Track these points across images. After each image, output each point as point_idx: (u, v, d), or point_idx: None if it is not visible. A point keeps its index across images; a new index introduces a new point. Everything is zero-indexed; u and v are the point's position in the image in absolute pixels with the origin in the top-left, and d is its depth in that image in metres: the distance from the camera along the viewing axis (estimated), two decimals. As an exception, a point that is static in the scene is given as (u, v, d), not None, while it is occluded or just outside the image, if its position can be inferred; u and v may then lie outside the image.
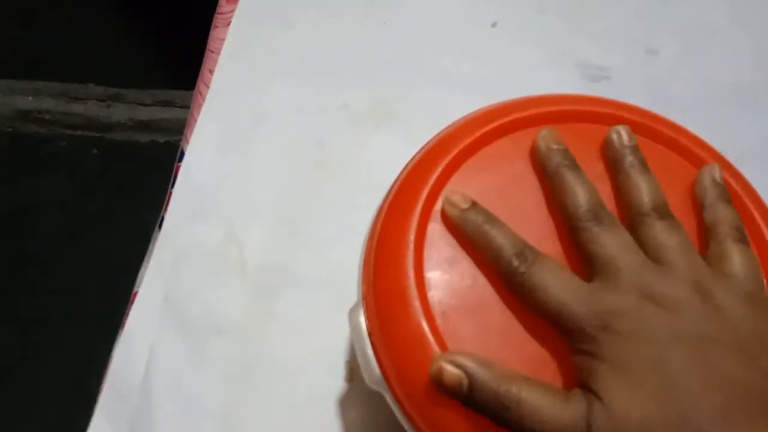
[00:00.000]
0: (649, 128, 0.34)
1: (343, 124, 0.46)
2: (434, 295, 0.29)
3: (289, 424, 0.37)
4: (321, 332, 0.39)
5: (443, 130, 0.34)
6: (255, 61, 0.49)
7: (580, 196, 0.29)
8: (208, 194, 0.43)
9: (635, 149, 0.31)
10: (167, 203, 0.43)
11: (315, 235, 0.42)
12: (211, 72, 0.49)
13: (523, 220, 0.31)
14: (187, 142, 0.46)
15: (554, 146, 0.31)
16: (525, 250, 0.28)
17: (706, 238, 0.30)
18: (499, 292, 0.29)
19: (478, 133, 0.33)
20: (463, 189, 0.31)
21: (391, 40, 0.50)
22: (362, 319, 0.30)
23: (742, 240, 0.29)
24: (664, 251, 0.28)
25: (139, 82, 1.34)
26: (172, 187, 0.44)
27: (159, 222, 0.43)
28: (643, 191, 0.30)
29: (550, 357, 0.28)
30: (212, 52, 0.50)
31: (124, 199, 1.18)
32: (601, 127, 0.34)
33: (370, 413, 0.37)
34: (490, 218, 0.30)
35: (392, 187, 0.33)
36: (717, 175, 0.31)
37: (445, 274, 0.30)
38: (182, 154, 0.45)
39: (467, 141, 0.32)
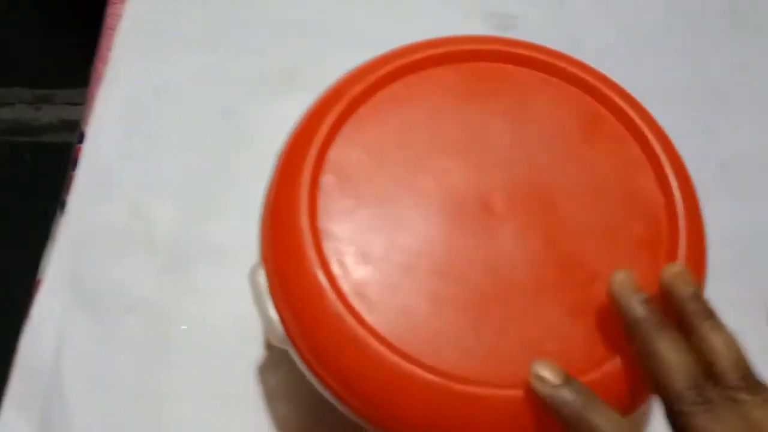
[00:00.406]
0: (546, 63, 0.33)
1: (250, 91, 0.45)
2: (330, 245, 0.28)
3: (208, 395, 0.36)
4: (236, 301, 0.37)
5: (336, 80, 0.33)
6: (154, 33, 0.47)
7: (677, 369, 0.25)
8: (112, 172, 0.42)
9: (698, 297, 0.27)
10: (68, 186, 0.41)
11: (225, 205, 0.41)
12: (110, 50, 0.47)
13: (423, 163, 0.30)
14: (87, 123, 0.44)
15: (636, 297, 0.27)
16: None
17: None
18: (396, 236, 0.29)
19: (369, 80, 0.32)
20: (356, 138, 0.31)
21: (295, 2, 0.49)
22: (262, 279, 0.30)
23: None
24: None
25: (67, 81, 1.30)
26: (74, 169, 0.42)
27: (61, 205, 0.41)
28: (723, 355, 0.26)
29: (452, 293, 0.28)
30: (110, 29, 0.48)
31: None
32: (499, 65, 0.33)
33: (290, 378, 0.36)
34: (591, 398, 0.25)
35: (285, 142, 0.32)
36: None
37: (340, 225, 0.29)
38: (82, 135, 0.43)
39: (359, 89, 0.32)
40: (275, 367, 0.37)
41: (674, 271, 0.27)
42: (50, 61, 1.31)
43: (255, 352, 0.37)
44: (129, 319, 0.38)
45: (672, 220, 0.30)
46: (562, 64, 0.33)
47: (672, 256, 0.29)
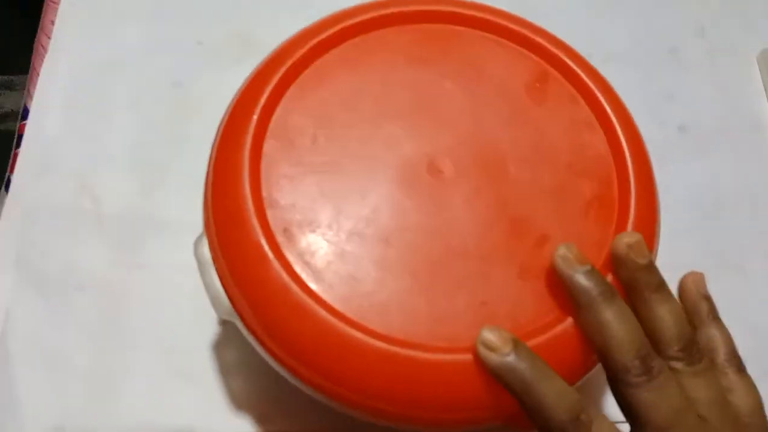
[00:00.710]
0: (497, 25, 0.33)
1: (200, 62, 0.44)
2: (274, 213, 0.28)
3: (163, 372, 0.36)
4: (189, 276, 0.37)
5: (281, 43, 0.32)
6: (99, 4, 0.46)
7: (624, 339, 0.25)
8: (58, 148, 0.40)
9: (651, 268, 0.27)
10: (12, 164, 0.40)
11: (176, 178, 0.40)
12: (53, 23, 0.45)
13: (371, 127, 0.30)
14: (32, 99, 0.42)
15: (580, 269, 0.26)
16: (581, 414, 0.25)
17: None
18: (343, 203, 0.28)
19: (314, 42, 0.31)
20: (301, 102, 0.30)
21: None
22: (206, 249, 0.29)
23: (741, 369, 0.28)
24: (706, 407, 0.26)
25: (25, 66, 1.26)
26: (18, 147, 0.41)
27: (5, 184, 0.40)
28: (668, 326, 0.26)
29: (401, 259, 0.27)
30: (53, 2, 0.47)
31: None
32: (449, 26, 0.32)
33: (245, 351, 0.36)
34: (538, 366, 0.25)
35: (227, 110, 0.31)
36: (703, 286, 0.29)
37: (285, 192, 0.28)
38: (26, 111, 0.42)
39: (302, 51, 0.31)
40: (230, 342, 0.36)
41: (628, 240, 0.27)
42: (9, 47, 1.28)
43: (209, 327, 0.37)
44: (79, 298, 0.37)
45: (623, 181, 0.29)
46: (513, 26, 0.32)
47: (623, 217, 0.29)
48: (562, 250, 0.27)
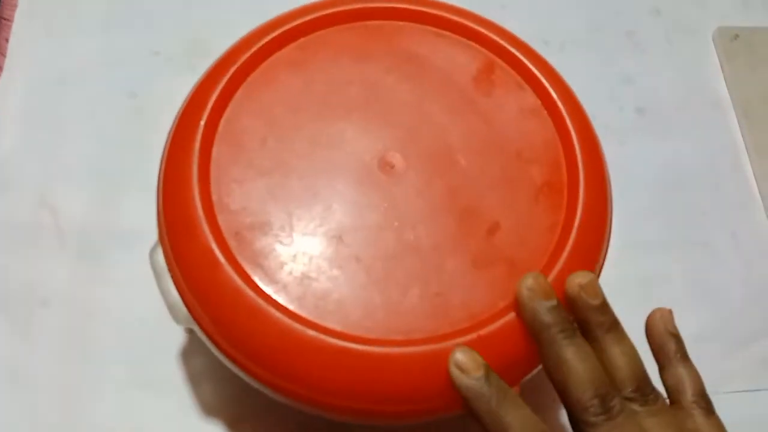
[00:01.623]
0: (439, 18, 0.33)
1: (156, 71, 0.44)
2: (225, 218, 0.28)
3: (132, 384, 0.36)
4: (153, 286, 0.37)
5: (227, 48, 0.32)
6: (53, 19, 0.45)
7: (583, 378, 0.25)
8: (15, 164, 0.40)
9: (603, 308, 0.27)
10: (-29, 182, 0.40)
11: (135, 188, 0.40)
12: (8, 40, 0.45)
13: (320, 126, 0.30)
14: (-12, 115, 0.42)
15: (545, 304, 0.26)
16: None
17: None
18: (294, 203, 0.28)
19: (259, 45, 0.31)
20: (249, 105, 0.30)
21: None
22: (161, 258, 0.29)
23: (710, 410, 0.27)
24: None
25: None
26: (-26, 164, 0.41)
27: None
28: (622, 367, 0.26)
29: (354, 255, 0.27)
30: (6, 20, 0.46)
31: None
32: (391, 22, 0.33)
33: (212, 358, 0.35)
34: (506, 394, 0.25)
35: (175, 116, 0.31)
36: (671, 324, 0.28)
37: (235, 196, 0.28)
38: (-18, 128, 0.42)
39: (248, 55, 0.31)
40: (197, 349, 0.36)
41: (580, 281, 0.27)
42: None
43: (176, 336, 0.37)
44: (44, 314, 0.37)
45: (571, 166, 0.30)
46: (455, 18, 0.32)
47: (573, 201, 0.29)
48: (529, 281, 0.26)
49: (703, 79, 0.48)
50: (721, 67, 0.48)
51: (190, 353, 0.36)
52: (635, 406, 0.26)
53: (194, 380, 0.36)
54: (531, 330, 0.26)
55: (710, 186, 0.45)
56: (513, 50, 0.32)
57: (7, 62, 0.44)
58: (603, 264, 0.29)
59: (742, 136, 0.46)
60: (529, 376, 0.28)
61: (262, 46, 0.31)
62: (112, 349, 0.36)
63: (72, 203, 0.39)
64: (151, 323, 0.37)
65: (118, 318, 0.37)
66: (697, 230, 0.43)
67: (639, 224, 0.43)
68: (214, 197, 0.28)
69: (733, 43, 0.48)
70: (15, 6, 0.46)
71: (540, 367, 0.27)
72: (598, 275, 0.29)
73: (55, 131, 0.41)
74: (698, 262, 0.42)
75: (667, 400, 0.27)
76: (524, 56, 0.32)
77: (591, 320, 0.26)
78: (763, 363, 0.39)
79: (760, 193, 0.44)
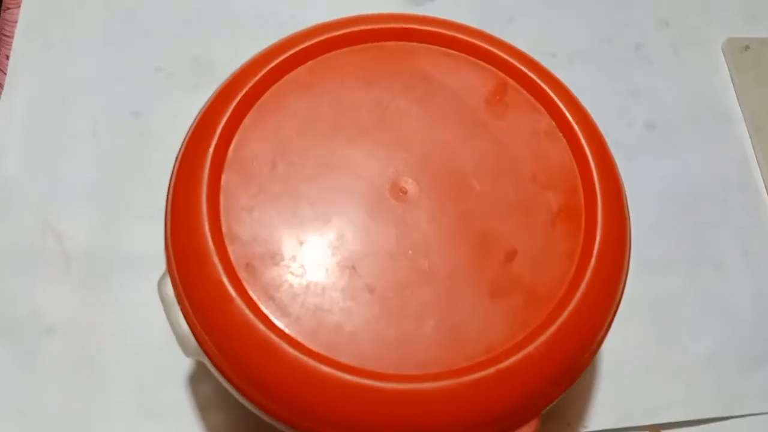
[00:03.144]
0: (450, 38, 0.32)
1: (159, 89, 0.43)
2: (235, 248, 0.27)
3: (139, 412, 0.35)
4: (160, 312, 0.36)
5: (233, 71, 0.32)
6: (54, 36, 0.45)
7: None
8: (16, 187, 0.39)
9: None
10: (-30, 205, 0.39)
11: (141, 211, 0.39)
12: (8, 57, 0.44)
13: (331, 152, 0.29)
14: (-12, 136, 0.41)
15: None
16: None
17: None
18: (306, 233, 0.28)
19: (267, 68, 0.31)
20: (258, 130, 0.29)
21: (200, -10, 0.47)
22: (170, 289, 0.28)
23: None
24: None
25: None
26: (-25, 187, 0.40)
27: (-36, 228, 0.39)
28: None
29: (368, 285, 0.27)
30: (7, 36, 0.46)
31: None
32: (401, 43, 0.32)
33: (220, 385, 0.35)
34: None
35: (183, 142, 0.30)
36: None
37: (245, 226, 0.28)
38: (-18, 149, 0.41)
39: (256, 79, 0.30)
40: (205, 376, 0.36)
41: None
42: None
43: (183, 363, 0.36)
44: (49, 342, 0.36)
45: (588, 190, 0.29)
46: (467, 38, 0.32)
47: (591, 226, 0.28)
48: None
49: (712, 91, 0.48)
50: (731, 79, 0.48)
51: (197, 380, 0.36)
52: None
53: (202, 407, 0.35)
54: None
55: (720, 201, 0.44)
56: (526, 71, 0.31)
57: (8, 80, 0.43)
58: (623, 292, 0.29)
59: (753, 149, 0.45)
60: (547, 409, 0.27)
61: (271, 68, 0.30)
62: (118, 377, 0.36)
63: (76, 227, 0.38)
64: (158, 350, 0.36)
65: (124, 345, 0.36)
66: (708, 247, 0.42)
67: (649, 242, 0.42)
68: (224, 227, 0.27)
69: (744, 54, 0.48)
70: (15, 22, 0.46)
71: (559, 397, 0.27)
72: (618, 303, 0.28)
73: (57, 152, 0.41)
74: (709, 280, 0.41)
75: None
76: (538, 77, 0.31)
77: None
78: (779, 383, 0.39)
79: (772, 207, 0.43)
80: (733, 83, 0.48)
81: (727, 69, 0.48)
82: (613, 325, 0.29)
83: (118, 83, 0.43)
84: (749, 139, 0.46)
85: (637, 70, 0.48)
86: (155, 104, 0.43)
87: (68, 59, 0.44)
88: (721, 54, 0.49)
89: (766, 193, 0.44)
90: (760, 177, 0.45)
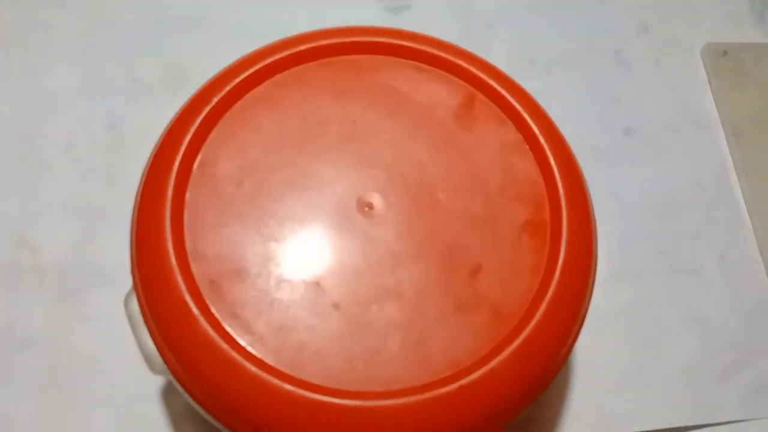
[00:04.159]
0: (418, 51, 0.32)
1: (135, 100, 0.43)
2: (199, 266, 0.27)
3: (114, 425, 0.35)
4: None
5: (200, 86, 0.32)
6: (27, 49, 0.45)
7: None
8: (-8, 201, 0.40)
9: None
10: (-54, 220, 0.39)
11: (117, 223, 0.38)
12: (-16, 70, 0.44)
13: (297, 168, 0.29)
14: (-36, 150, 0.41)
15: None
16: None
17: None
18: (272, 250, 0.28)
19: (234, 83, 0.30)
20: (224, 146, 0.29)
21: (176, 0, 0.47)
22: (136, 306, 0.28)
23: None
24: None
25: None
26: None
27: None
28: None
29: (334, 302, 0.27)
30: (-18, 47, 0.46)
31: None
32: (369, 56, 0.32)
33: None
34: None
35: (148, 158, 0.30)
36: None
37: (210, 243, 0.28)
38: (-42, 163, 0.41)
39: (222, 94, 0.30)
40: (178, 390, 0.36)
41: None
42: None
43: (158, 376, 0.36)
44: (23, 357, 0.36)
45: (554, 203, 0.29)
46: (434, 51, 0.32)
47: (556, 240, 0.28)
48: None
49: (691, 97, 0.48)
50: (710, 84, 0.48)
51: (171, 393, 0.36)
52: None
53: (176, 420, 0.35)
54: None
55: (699, 208, 0.44)
56: (494, 84, 0.31)
57: (-16, 94, 0.43)
58: (588, 306, 0.29)
59: (731, 155, 0.45)
60: (512, 422, 0.27)
61: (237, 84, 0.30)
62: (92, 391, 0.36)
63: (51, 240, 0.38)
64: (133, 364, 0.36)
65: (98, 359, 0.36)
66: (686, 254, 0.42)
67: (627, 250, 0.42)
68: (188, 244, 0.27)
69: (722, 59, 0.48)
70: (-9, 34, 0.46)
71: (524, 410, 0.27)
72: (584, 317, 0.28)
73: (31, 166, 0.41)
74: (687, 289, 0.41)
75: None
76: (506, 90, 0.31)
77: None
78: (755, 391, 0.39)
79: (749, 214, 0.43)
80: (711, 88, 0.48)
81: (705, 74, 0.48)
82: (589, 332, 0.29)
83: (94, 95, 0.43)
84: (727, 145, 0.46)
85: (617, 76, 0.48)
86: (132, 116, 0.43)
87: (42, 72, 0.44)
88: (701, 59, 0.49)
89: (743, 199, 0.44)
90: (737, 183, 0.44)
